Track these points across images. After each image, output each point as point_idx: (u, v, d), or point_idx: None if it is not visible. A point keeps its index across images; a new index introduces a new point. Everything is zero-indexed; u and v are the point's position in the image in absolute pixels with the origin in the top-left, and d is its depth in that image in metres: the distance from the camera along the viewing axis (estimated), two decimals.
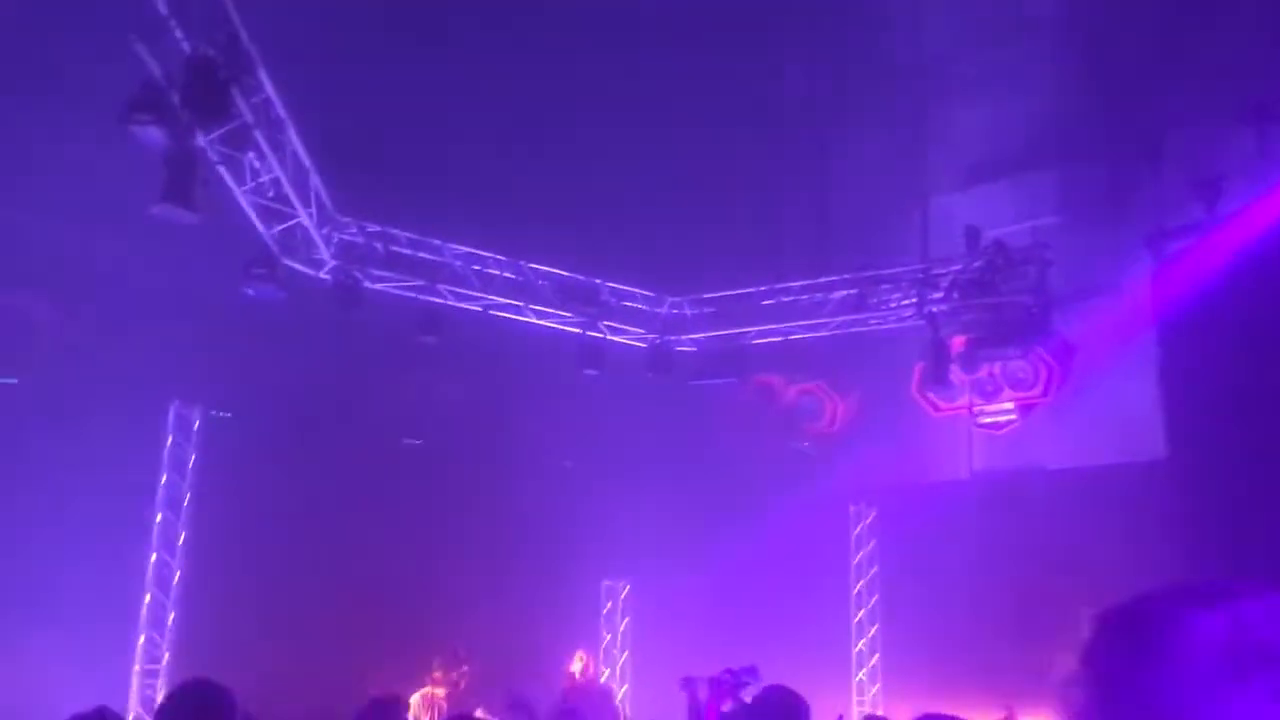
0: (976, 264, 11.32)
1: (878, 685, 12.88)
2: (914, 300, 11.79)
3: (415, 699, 10.38)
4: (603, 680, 11.54)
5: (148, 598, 11.40)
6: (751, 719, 4.46)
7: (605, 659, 13.44)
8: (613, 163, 11.96)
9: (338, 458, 11.77)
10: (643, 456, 12.88)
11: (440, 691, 10.22)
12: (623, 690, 12.29)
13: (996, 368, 11.78)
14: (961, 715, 4.07)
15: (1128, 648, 1.21)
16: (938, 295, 11.66)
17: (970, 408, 12.34)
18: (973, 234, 11.35)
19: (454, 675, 10.21)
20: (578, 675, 10.47)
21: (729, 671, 4.57)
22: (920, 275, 11.78)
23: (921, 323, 11.75)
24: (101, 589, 10.42)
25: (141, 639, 11.28)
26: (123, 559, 11.00)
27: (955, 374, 11.84)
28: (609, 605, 14.06)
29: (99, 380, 10.35)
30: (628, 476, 12.83)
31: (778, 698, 4.49)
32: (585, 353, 12.09)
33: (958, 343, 11.71)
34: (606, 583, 14.04)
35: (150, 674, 11.11)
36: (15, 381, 11.04)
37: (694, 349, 12.87)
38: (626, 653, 13.51)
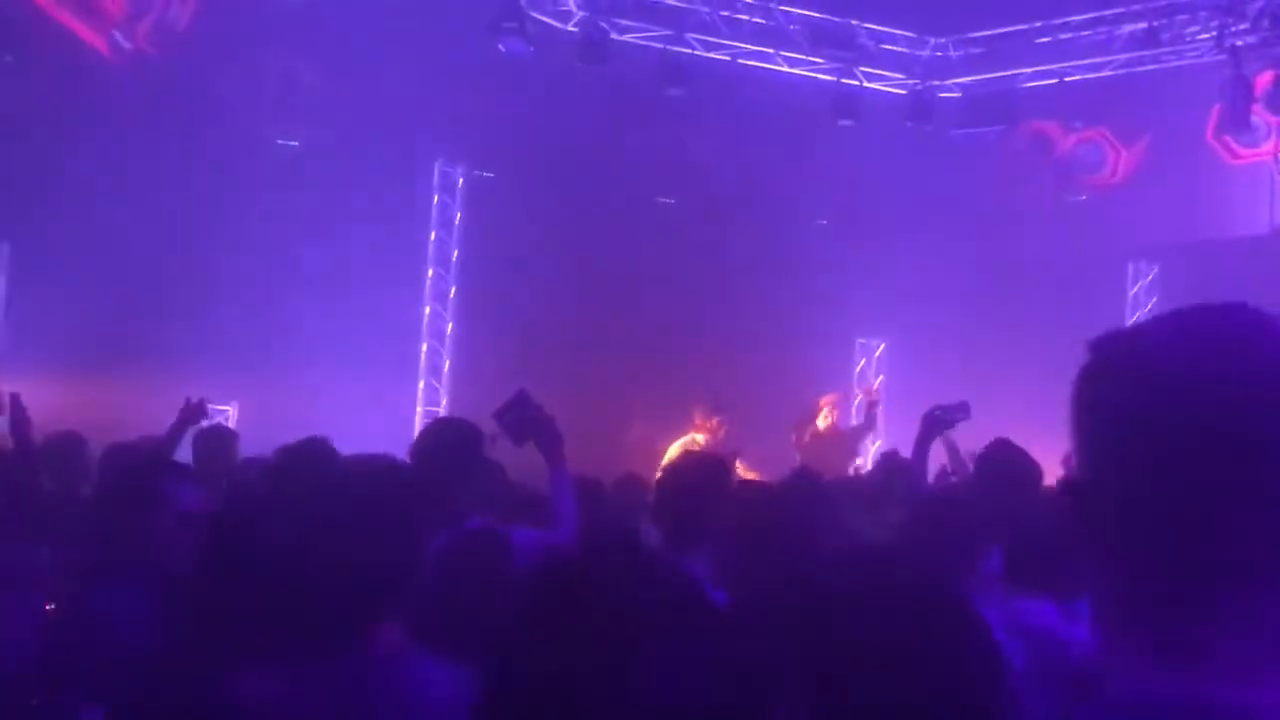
0: None
1: None
2: (1214, 32, 10.49)
3: (675, 446, 10.77)
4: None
5: (424, 347, 12.20)
6: (976, 478, 4.27)
7: (857, 415, 13.42)
8: None
9: (594, 215, 11.94)
10: (901, 212, 12.37)
11: (700, 438, 10.52)
12: (875, 445, 12.28)
13: None
14: None
15: None
16: (1244, 25, 10.32)
17: (1275, 154, 11.06)
18: None
19: (712, 422, 10.45)
20: (822, 427, 10.51)
21: (939, 407, 4.40)
22: (1223, 2, 10.43)
23: (1222, 57, 10.47)
24: (382, 340, 11.18)
25: (421, 384, 12.16)
26: (399, 312, 11.74)
27: (1259, 115, 10.59)
28: (862, 362, 13.94)
29: (366, 140, 10.77)
30: (885, 233, 12.39)
31: (1004, 457, 4.23)
32: (840, 102, 11.51)
33: (1264, 80, 10.41)
34: (860, 340, 13.88)
35: (430, 416, 11.99)
36: (296, 144, 11.66)
37: (959, 94, 12.02)
38: (878, 407, 13.41)
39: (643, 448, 10.97)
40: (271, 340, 10.45)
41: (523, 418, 3.90)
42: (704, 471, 3.46)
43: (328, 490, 2.59)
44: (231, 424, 10.32)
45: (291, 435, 4.06)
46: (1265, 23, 10.20)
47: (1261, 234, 12.00)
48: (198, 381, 10.31)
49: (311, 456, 3.67)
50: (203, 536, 2.59)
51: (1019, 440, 5.46)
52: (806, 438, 10.29)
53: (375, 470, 2.81)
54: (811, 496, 3.60)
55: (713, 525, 3.08)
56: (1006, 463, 4.16)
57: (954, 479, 5.71)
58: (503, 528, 3.61)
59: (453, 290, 12.32)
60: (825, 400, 10.68)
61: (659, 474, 3.49)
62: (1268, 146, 10.97)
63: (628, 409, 11.80)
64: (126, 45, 9.43)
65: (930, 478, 5.45)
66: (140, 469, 3.60)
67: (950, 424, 4.54)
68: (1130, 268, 12.72)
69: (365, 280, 10.84)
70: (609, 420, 11.48)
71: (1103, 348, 1.12)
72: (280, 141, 11.57)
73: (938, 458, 5.24)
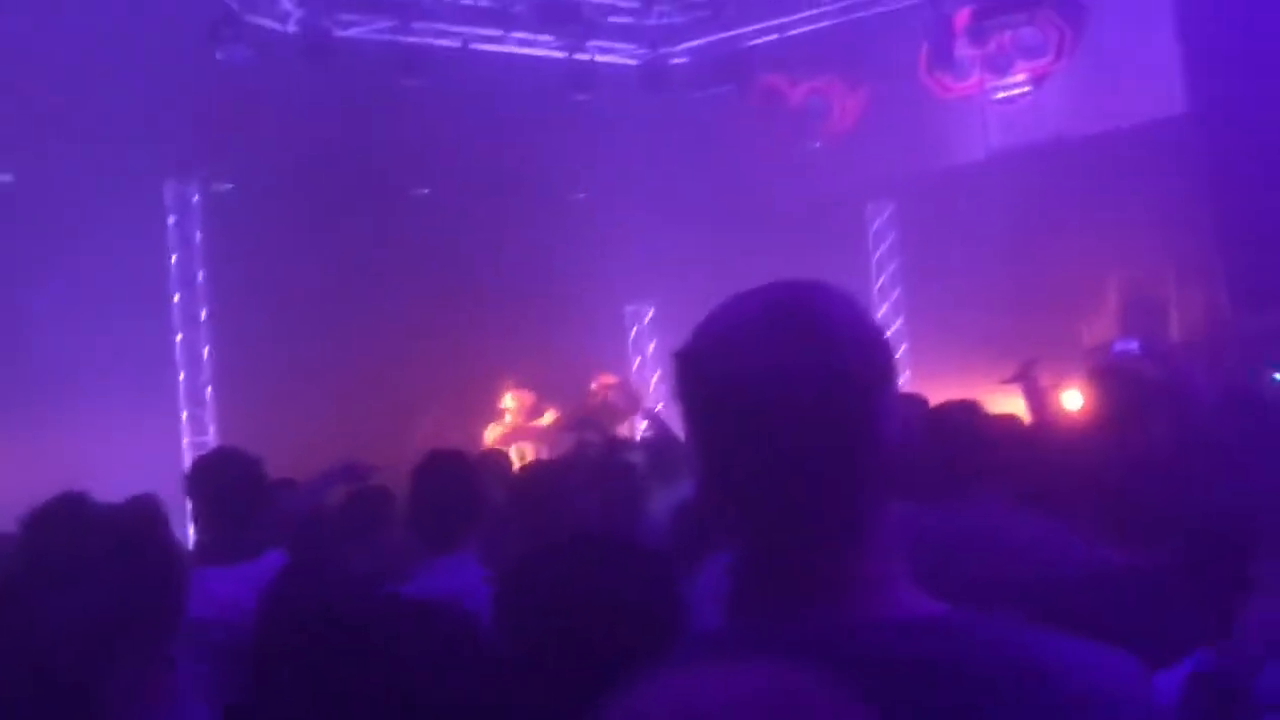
0: None
1: (906, 373, 13.05)
2: None
3: (490, 430, 10.81)
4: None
5: (182, 375, 11.63)
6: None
7: (636, 380, 13.69)
8: None
9: (346, 215, 11.64)
10: (650, 178, 12.60)
11: (509, 419, 10.63)
12: (658, 407, 12.55)
13: (1006, 38, 11.21)
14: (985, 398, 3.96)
15: None
16: None
17: (982, 85, 11.84)
18: None
19: (522, 398, 10.57)
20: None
21: None
22: None
23: (924, 0, 11.14)
24: (134, 375, 10.59)
25: (184, 414, 11.59)
26: (149, 344, 11.13)
27: (963, 50, 11.32)
28: (635, 329, 14.19)
29: (87, 168, 10.15)
30: (637, 199, 12.61)
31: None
32: (575, 77, 11.61)
33: (963, 16, 11.13)
34: (630, 308, 14.12)
35: (199, 446, 11.46)
36: (11, 179, 10.85)
37: (689, 59, 12.33)
38: (658, 373, 13.73)
39: (438, 436, 10.88)
40: (14, 390, 9.76)
41: None
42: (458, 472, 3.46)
43: (83, 558, 2.43)
44: None
45: (51, 486, 3.81)
46: None
47: (979, 159, 12.87)
48: None
49: (64, 522, 3.43)
50: None
51: None
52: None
53: (136, 519, 2.66)
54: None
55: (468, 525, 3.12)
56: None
57: None
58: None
59: (203, 313, 11.77)
60: (601, 383, 10.83)
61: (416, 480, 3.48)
62: (975, 79, 11.74)
63: (413, 403, 11.62)
64: None
65: None
66: None
67: None
68: (868, 206, 13.42)
69: (106, 315, 10.24)
70: (397, 418, 11.28)
71: (690, 353, 1.26)
72: None
73: None
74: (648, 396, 12.36)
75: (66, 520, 3.43)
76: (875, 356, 1.22)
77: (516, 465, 10.25)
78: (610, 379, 11.21)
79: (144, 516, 2.58)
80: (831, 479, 1.18)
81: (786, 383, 1.16)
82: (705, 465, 1.23)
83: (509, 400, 11.06)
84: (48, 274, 10.10)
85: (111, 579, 2.24)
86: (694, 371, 1.23)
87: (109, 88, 9.86)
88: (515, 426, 11.04)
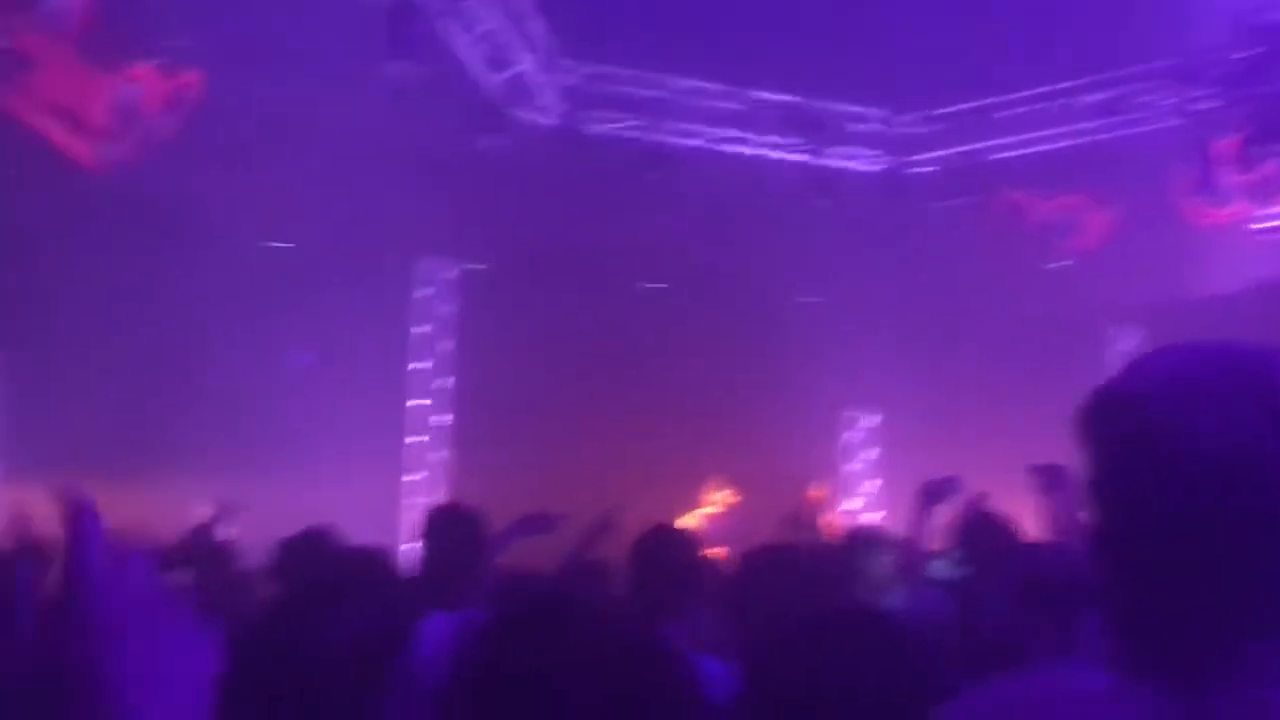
0: (1244, 52, 10.22)
1: None
2: (1174, 99, 10.80)
3: (687, 519, 10.88)
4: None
5: (425, 440, 12.23)
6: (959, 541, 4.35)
7: (849, 488, 13.48)
8: None
9: (582, 303, 12.05)
10: (884, 286, 12.53)
11: (711, 509, 10.71)
12: (878, 517, 12.31)
13: (1272, 167, 10.70)
14: None
15: None
16: (1201, 91, 10.63)
17: (1242, 214, 11.30)
18: (1239, 17, 10.22)
19: (723, 494, 10.67)
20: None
21: (930, 483, 4.48)
22: (1180, 69, 10.75)
23: (1184, 123, 10.78)
24: (377, 439, 11.18)
25: (419, 475, 12.13)
26: (395, 410, 11.77)
27: (1226, 177, 10.85)
28: (845, 436, 13.99)
29: (352, 241, 10.88)
30: (869, 306, 12.54)
31: (978, 524, 4.34)
32: (815, 182, 11.77)
33: (1227, 142, 10.70)
34: (850, 414, 13.95)
35: (416, 508, 11.94)
36: (293, 245, 11.75)
37: (932, 169, 12.30)
38: (880, 481, 13.49)
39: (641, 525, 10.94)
40: (262, 442, 10.40)
41: None
42: (675, 547, 3.55)
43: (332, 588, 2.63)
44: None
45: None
46: (1221, 88, 10.51)
47: (1236, 291, 12.19)
48: (180, 487, 10.30)
49: (311, 551, 3.71)
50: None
51: (1011, 506, 5.53)
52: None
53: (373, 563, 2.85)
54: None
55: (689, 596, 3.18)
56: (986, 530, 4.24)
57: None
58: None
59: (448, 382, 12.34)
60: (815, 494, 10.72)
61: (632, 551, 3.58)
62: (1235, 206, 11.22)
63: (623, 491, 11.77)
64: (112, 158, 9.57)
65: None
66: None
67: (943, 498, 4.60)
68: (1112, 331, 12.86)
69: (357, 382, 10.88)
70: (611, 501, 11.44)
71: (1135, 398, 1.22)
72: (272, 245, 11.66)
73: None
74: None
75: (314, 549, 3.72)
76: None
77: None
78: (823, 491, 11.06)
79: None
80: (1265, 554, 1.14)
81: (1250, 454, 1.14)
82: (1119, 514, 1.20)
83: (715, 495, 11.05)
84: (305, 338, 10.84)
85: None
86: (1138, 417, 1.19)
87: (375, 169, 10.61)
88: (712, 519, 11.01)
